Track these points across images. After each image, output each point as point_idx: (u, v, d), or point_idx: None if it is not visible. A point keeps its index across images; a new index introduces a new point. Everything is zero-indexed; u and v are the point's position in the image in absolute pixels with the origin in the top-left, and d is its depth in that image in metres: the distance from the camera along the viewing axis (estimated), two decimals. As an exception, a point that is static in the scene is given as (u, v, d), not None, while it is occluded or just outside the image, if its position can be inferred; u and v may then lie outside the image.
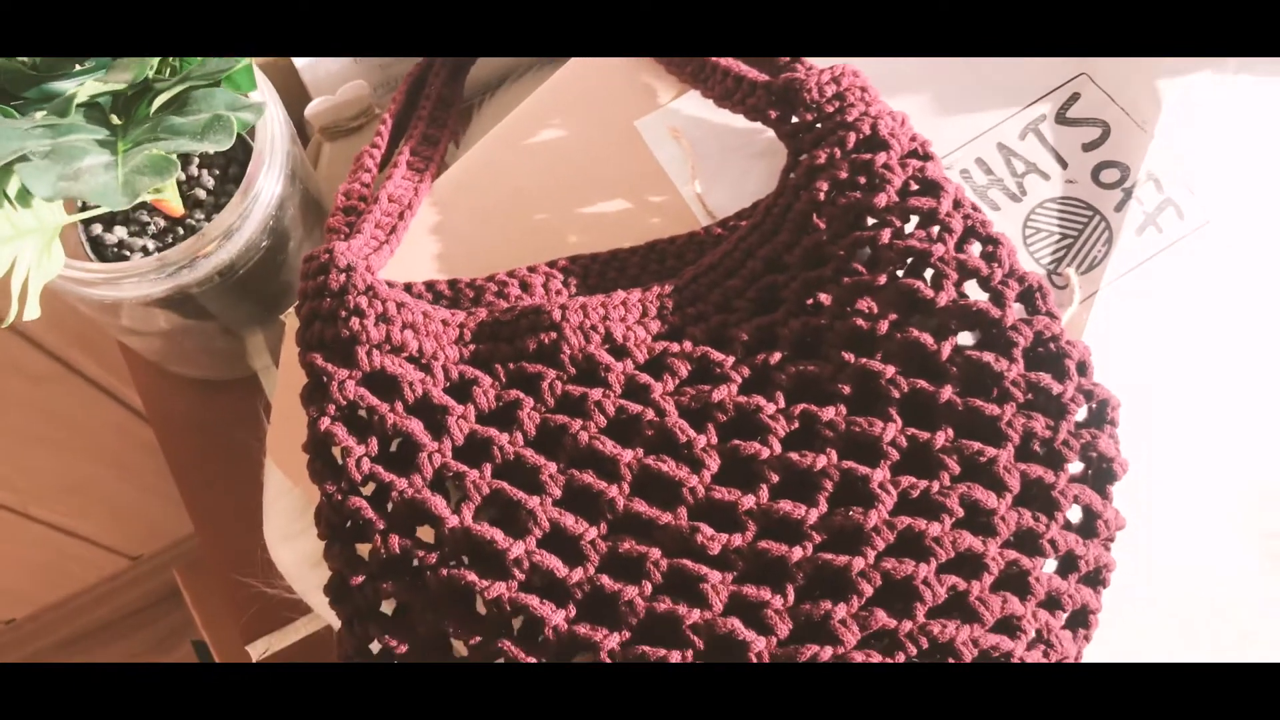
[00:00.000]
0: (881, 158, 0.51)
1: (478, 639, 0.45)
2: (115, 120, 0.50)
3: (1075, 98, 0.59)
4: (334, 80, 0.70)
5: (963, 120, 0.59)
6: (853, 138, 0.52)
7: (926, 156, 0.52)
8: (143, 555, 1.51)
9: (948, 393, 0.48)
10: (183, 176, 0.62)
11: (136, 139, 0.47)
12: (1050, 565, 0.48)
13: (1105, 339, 0.54)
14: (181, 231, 0.61)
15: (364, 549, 0.47)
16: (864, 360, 0.49)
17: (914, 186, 0.51)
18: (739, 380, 0.50)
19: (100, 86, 0.47)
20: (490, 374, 0.50)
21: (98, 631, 1.57)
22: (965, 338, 0.50)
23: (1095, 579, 0.49)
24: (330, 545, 0.48)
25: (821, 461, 0.48)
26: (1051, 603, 0.47)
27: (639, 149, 0.60)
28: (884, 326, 0.49)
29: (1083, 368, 0.49)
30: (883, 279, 0.50)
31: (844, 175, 0.51)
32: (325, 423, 0.48)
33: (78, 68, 0.49)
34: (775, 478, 0.48)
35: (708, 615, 0.45)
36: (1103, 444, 0.48)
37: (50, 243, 0.50)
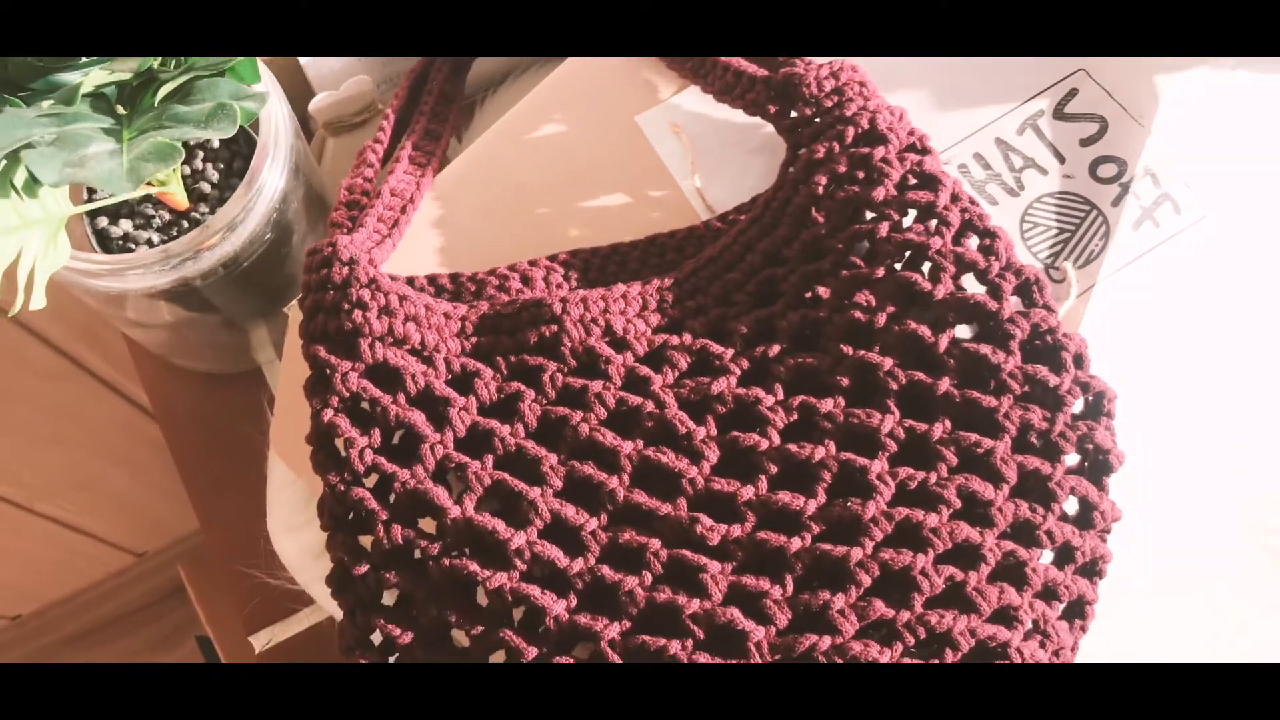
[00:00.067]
0: (880, 152, 0.51)
1: (479, 629, 0.46)
2: (120, 110, 0.50)
3: (1073, 93, 0.59)
4: (337, 76, 0.71)
5: (961, 115, 0.59)
6: (851, 132, 0.52)
7: (924, 151, 0.52)
8: (148, 552, 1.52)
9: (945, 385, 0.49)
10: (187, 170, 0.63)
11: (141, 127, 0.47)
12: (1047, 557, 0.48)
13: (1102, 333, 0.54)
14: (186, 225, 0.62)
15: (366, 541, 0.48)
16: (862, 352, 0.49)
17: (912, 180, 0.52)
18: (738, 372, 0.50)
19: (105, 76, 0.47)
20: (491, 366, 0.50)
21: (104, 627, 1.58)
22: (963, 330, 0.50)
23: (1092, 570, 0.49)
24: (333, 536, 0.48)
25: (820, 453, 0.48)
26: (1048, 594, 0.48)
27: (640, 144, 0.61)
28: (882, 319, 0.50)
29: (1079, 360, 0.49)
30: (881, 272, 0.50)
31: (842, 169, 0.52)
32: (328, 414, 0.48)
33: (83, 60, 0.49)
34: (774, 469, 0.48)
35: (707, 605, 0.45)
36: (1099, 436, 0.48)
37: (56, 233, 0.51)
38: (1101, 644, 0.50)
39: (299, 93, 0.70)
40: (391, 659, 0.47)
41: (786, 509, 0.47)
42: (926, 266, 0.50)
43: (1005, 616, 0.46)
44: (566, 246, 0.57)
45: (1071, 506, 0.49)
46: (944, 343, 0.49)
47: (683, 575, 0.46)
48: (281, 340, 0.64)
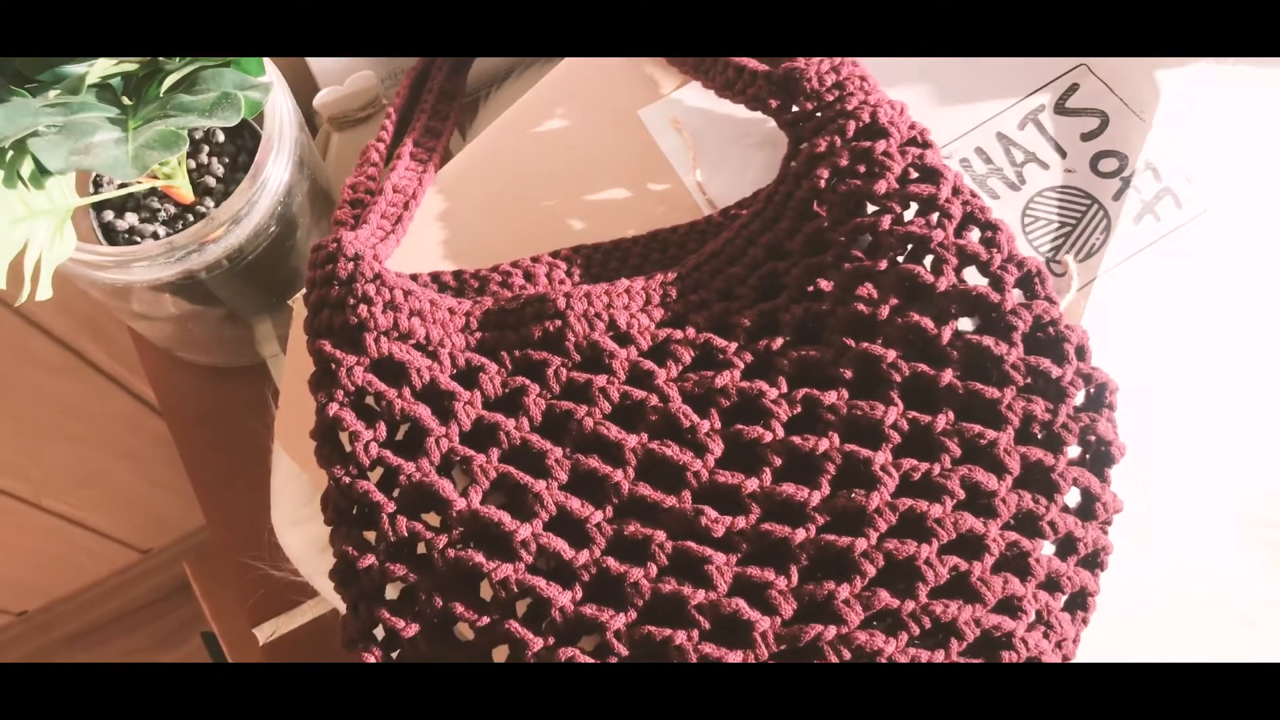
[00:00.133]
0: (881, 145, 0.52)
1: (484, 621, 0.46)
2: (126, 101, 0.50)
3: (1074, 88, 0.59)
4: (342, 71, 0.71)
5: (962, 110, 0.59)
6: (853, 126, 0.52)
7: (925, 144, 0.52)
8: (153, 549, 1.52)
9: (948, 376, 0.49)
10: (193, 165, 0.63)
11: (146, 116, 0.48)
12: (1049, 548, 0.49)
13: (1103, 326, 0.54)
14: (191, 218, 0.62)
15: (371, 535, 0.48)
16: (865, 345, 0.50)
17: (913, 174, 0.52)
18: (741, 366, 0.50)
19: (111, 67, 0.48)
20: (496, 361, 0.51)
21: (109, 624, 1.58)
22: (965, 323, 0.50)
23: (1094, 561, 0.49)
24: (337, 529, 0.48)
25: (824, 445, 0.48)
26: (1051, 584, 0.48)
27: (642, 139, 0.61)
28: (885, 311, 0.50)
29: (1081, 352, 0.49)
30: (883, 265, 0.50)
31: (844, 163, 0.52)
32: (333, 408, 0.49)
33: (88, 54, 0.50)
34: (778, 461, 0.48)
35: (712, 596, 0.46)
36: (1101, 427, 0.49)
37: (62, 224, 0.51)
38: (1103, 636, 0.50)
39: (304, 88, 0.70)
40: (394, 653, 0.47)
41: (791, 500, 0.47)
42: (929, 259, 0.50)
43: (1009, 607, 0.47)
44: (569, 240, 0.57)
45: (1073, 498, 0.49)
46: (947, 335, 0.49)
47: (688, 567, 0.46)
48: (286, 334, 0.64)
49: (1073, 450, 0.49)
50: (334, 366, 0.49)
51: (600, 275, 0.56)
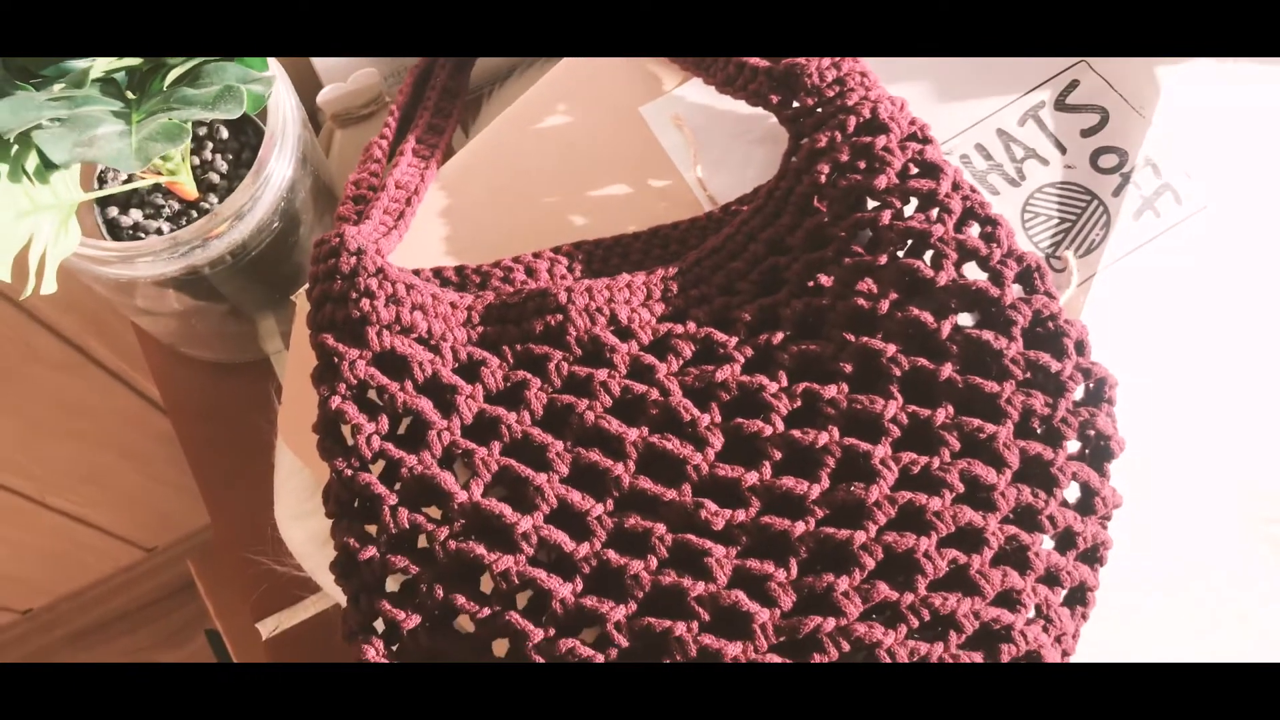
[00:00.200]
0: (881, 141, 0.52)
1: (485, 612, 0.46)
2: (130, 95, 0.51)
3: (1074, 84, 0.59)
4: (345, 68, 0.71)
5: (963, 107, 0.59)
6: (853, 121, 0.53)
7: (925, 140, 0.52)
8: (157, 547, 1.52)
9: (948, 370, 0.49)
10: (197, 161, 0.63)
11: (150, 109, 0.48)
12: (1049, 544, 0.49)
13: (1102, 321, 0.54)
14: (195, 215, 0.62)
15: (372, 529, 0.48)
16: (865, 339, 0.50)
17: (913, 169, 0.52)
18: (742, 360, 0.51)
19: (115, 62, 0.48)
20: (498, 355, 0.51)
21: (113, 622, 1.59)
22: (965, 318, 0.51)
23: (1093, 556, 0.49)
24: (338, 521, 0.48)
25: (823, 438, 0.48)
26: (1050, 579, 0.48)
27: (643, 135, 0.61)
28: (885, 306, 0.50)
29: (1080, 346, 0.49)
30: (883, 259, 0.51)
31: (845, 158, 0.52)
32: (336, 401, 0.49)
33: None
34: (778, 455, 0.48)
35: (712, 588, 0.46)
36: (1100, 422, 0.49)
37: (67, 219, 0.51)
38: (1102, 632, 0.50)
39: (307, 85, 0.71)
40: (395, 646, 0.47)
41: (790, 493, 0.47)
42: (928, 254, 0.51)
43: (1008, 600, 0.47)
44: (570, 236, 0.58)
45: (1073, 493, 0.49)
46: (946, 329, 0.49)
47: (688, 559, 0.47)
48: (289, 330, 0.64)
49: (1072, 445, 0.49)
50: (336, 360, 0.49)
51: (601, 271, 0.56)
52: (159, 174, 0.59)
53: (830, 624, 0.45)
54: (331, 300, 0.50)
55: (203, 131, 0.65)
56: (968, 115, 0.59)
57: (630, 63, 0.63)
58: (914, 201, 0.51)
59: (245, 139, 0.65)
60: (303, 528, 0.60)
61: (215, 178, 0.63)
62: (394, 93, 0.73)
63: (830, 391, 0.49)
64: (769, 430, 0.49)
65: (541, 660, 0.45)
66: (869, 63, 0.55)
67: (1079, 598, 0.49)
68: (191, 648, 1.58)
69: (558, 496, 0.48)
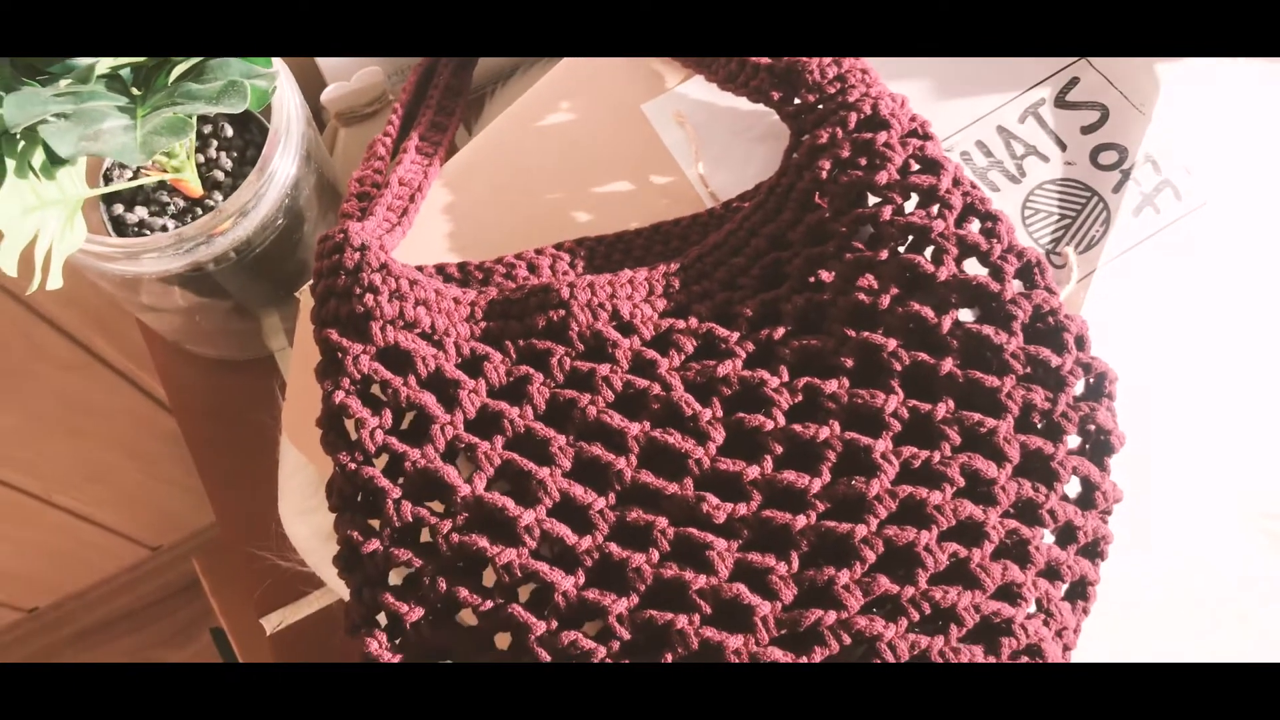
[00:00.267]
0: (882, 136, 0.52)
1: (488, 605, 0.46)
2: (135, 91, 0.51)
3: (1074, 82, 0.59)
4: (349, 67, 0.72)
5: (963, 104, 0.60)
6: (854, 118, 0.53)
7: (926, 136, 0.52)
8: (162, 546, 1.53)
9: (948, 365, 0.49)
10: (201, 159, 0.64)
11: (155, 104, 0.49)
12: (1049, 538, 0.49)
13: (1103, 318, 0.54)
14: (200, 212, 0.63)
15: (375, 523, 0.48)
16: (866, 334, 0.50)
17: (914, 165, 0.52)
18: (743, 355, 0.51)
19: (120, 58, 0.48)
20: (501, 350, 0.51)
21: (119, 620, 1.59)
22: (965, 313, 0.51)
23: (1093, 551, 0.49)
24: (341, 515, 0.48)
25: (824, 433, 0.48)
26: (1051, 573, 0.48)
27: (645, 132, 0.61)
28: (885, 301, 0.50)
29: (1080, 341, 0.49)
30: (884, 255, 0.51)
31: (846, 154, 0.52)
32: (340, 396, 0.49)
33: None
34: (779, 449, 0.49)
35: (714, 581, 0.46)
36: (1100, 416, 0.49)
37: (73, 215, 0.52)
38: (1102, 628, 0.50)
39: (312, 83, 0.71)
40: (398, 639, 0.47)
41: (792, 487, 0.47)
42: (929, 249, 0.51)
43: (1009, 593, 0.47)
44: (572, 233, 0.58)
45: (1073, 488, 0.49)
46: (947, 324, 0.50)
47: (689, 552, 0.47)
48: (293, 327, 0.64)
49: (1072, 440, 0.49)
50: (340, 355, 0.50)
51: (603, 267, 0.56)
52: (164, 171, 0.59)
53: (831, 617, 0.45)
54: (335, 295, 0.51)
55: (207, 129, 0.65)
56: (968, 112, 0.59)
57: (631, 61, 0.63)
58: (915, 197, 0.52)
59: (250, 137, 0.65)
60: (307, 524, 0.60)
61: (220, 175, 0.63)
62: (397, 91, 0.74)
63: (831, 386, 0.49)
64: (770, 425, 0.49)
65: (544, 652, 0.45)
66: (870, 61, 0.55)
67: (1080, 592, 0.49)
68: (196, 646, 1.59)
69: (560, 490, 0.48)
